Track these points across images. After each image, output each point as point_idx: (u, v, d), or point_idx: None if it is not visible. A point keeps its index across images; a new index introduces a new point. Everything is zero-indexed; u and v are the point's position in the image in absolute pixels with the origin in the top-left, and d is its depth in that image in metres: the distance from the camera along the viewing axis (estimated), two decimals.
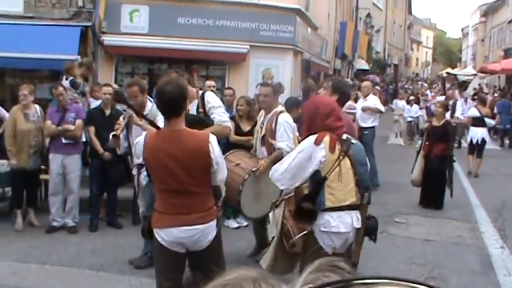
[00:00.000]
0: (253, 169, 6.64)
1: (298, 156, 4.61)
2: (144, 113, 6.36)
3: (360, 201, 4.71)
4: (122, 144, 6.64)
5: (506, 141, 21.92)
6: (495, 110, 21.42)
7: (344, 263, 0.97)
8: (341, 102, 5.48)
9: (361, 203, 4.73)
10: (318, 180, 4.60)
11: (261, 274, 0.96)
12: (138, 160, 4.71)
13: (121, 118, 6.64)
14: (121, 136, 6.48)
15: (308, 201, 4.66)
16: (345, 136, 4.70)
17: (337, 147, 4.57)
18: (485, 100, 16.59)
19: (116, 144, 6.63)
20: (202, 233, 4.39)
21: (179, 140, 4.27)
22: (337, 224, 4.59)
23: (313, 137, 4.60)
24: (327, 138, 4.55)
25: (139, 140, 4.51)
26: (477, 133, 14.85)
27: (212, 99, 6.22)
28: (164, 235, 4.37)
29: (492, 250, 8.21)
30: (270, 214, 5.64)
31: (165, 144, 4.26)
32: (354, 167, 4.66)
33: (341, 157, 4.57)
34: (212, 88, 8.81)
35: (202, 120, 5.94)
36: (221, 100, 6.95)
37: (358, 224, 4.69)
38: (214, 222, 4.47)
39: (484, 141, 14.83)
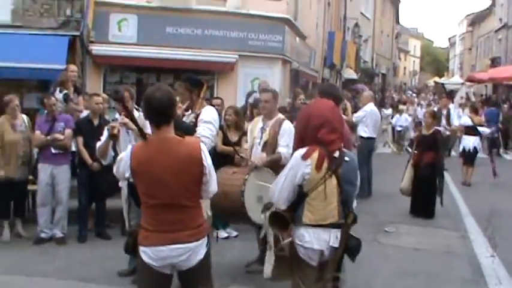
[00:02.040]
0: (252, 164, 6.60)
1: (290, 173, 4.46)
2: None
3: (343, 220, 4.51)
4: (108, 154, 6.47)
5: (494, 150, 21.99)
6: (482, 118, 21.55)
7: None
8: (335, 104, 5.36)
9: (344, 223, 4.52)
10: (299, 195, 4.47)
11: None
12: (122, 179, 4.35)
13: (112, 122, 6.46)
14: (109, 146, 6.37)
15: (288, 209, 4.52)
16: (337, 153, 4.50)
17: (325, 165, 4.39)
18: (477, 109, 16.64)
19: (103, 152, 6.43)
20: (193, 252, 4.15)
21: (171, 148, 4.08)
22: (311, 240, 4.45)
23: (301, 151, 4.45)
24: (315, 155, 4.38)
25: (122, 156, 4.25)
26: (469, 142, 14.90)
27: (206, 113, 6.06)
28: (152, 254, 4.10)
29: (482, 259, 8.20)
30: (262, 216, 5.52)
31: (156, 153, 4.05)
32: (340, 186, 4.47)
33: (327, 176, 4.40)
34: (217, 107, 8.66)
35: (192, 130, 5.87)
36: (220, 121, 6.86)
37: (335, 243, 4.49)
38: (204, 240, 4.23)
39: (475, 150, 14.88)
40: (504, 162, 20.32)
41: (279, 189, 4.53)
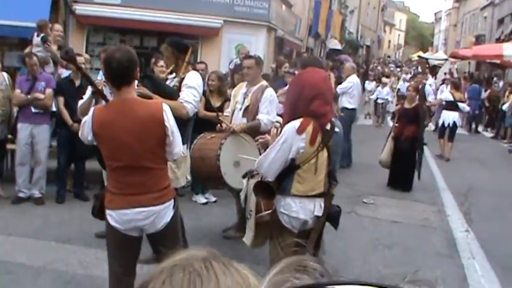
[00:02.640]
0: (229, 127, 6.60)
1: (283, 147, 4.41)
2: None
3: (327, 190, 4.58)
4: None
5: (473, 127, 22.19)
6: (465, 95, 21.71)
7: (312, 260, 0.92)
8: None
9: (328, 192, 4.60)
10: (289, 167, 4.46)
11: (211, 253, 0.95)
12: (86, 141, 4.25)
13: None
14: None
15: (274, 179, 4.52)
16: (329, 125, 4.50)
17: (318, 139, 4.39)
18: (459, 85, 16.72)
19: (85, 110, 6.28)
20: (158, 215, 4.14)
21: (131, 109, 4.02)
22: (298, 209, 4.49)
23: (296, 124, 4.39)
24: (309, 129, 4.35)
25: (85, 119, 4.19)
26: (449, 116, 14.99)
27: (190, 78, 5.92)
28: (117, 217, 4.10)
29: (457, 233, 8.32)
30: (244, 182, 5.51)
31: (117, 115, 4.00)
32: (329, 157, 4.52)
33: (319, 149, 4.41)
34: (201, 72, 8.58)
35: (176, 94, 5.79)
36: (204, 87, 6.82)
37: (319, 212, 4.55)
38: (171, 203, 4.22)
39: (455, 124, 14.99)
40: (484, 140, 20.54)
41: (269, 161, 4.48)
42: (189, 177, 6.05)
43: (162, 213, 4.17)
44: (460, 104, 15.22)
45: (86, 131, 4.13)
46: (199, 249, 0.96)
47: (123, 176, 4.06)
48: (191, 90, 5.81)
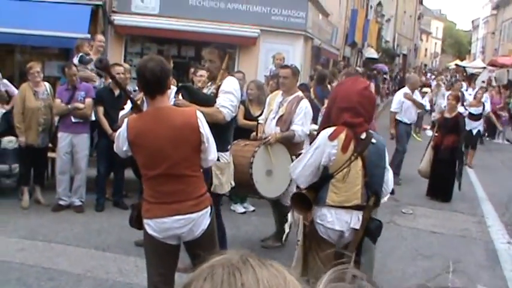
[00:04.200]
0: (264, 138, 6.61)
1: (315, 152, 4.44)
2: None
3: (365, 202, 4.49)
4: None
5: None
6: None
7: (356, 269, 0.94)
8: None
9: (366, 205, 4.50)
10: (324, 176, 4.46)
11: (244, 253, 0.99)
12: (122, 154, 4.30)
13: (134, 92, 6.44)
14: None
15: (311, 190, 4.51)
16: (364, 135, 4.46)
17: (351, 147, 4.36)
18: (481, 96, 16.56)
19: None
20: (195, 222, 4.16)
21: (166, 117, 4.06)
22: (333, 220, 4.45)
23: (329, 131, 4.41)
24: (342, 136, 4.35)
25: (119, 131, 4.22)
26: (473, 125, 14.87)
27: (227, 84, 5.89)
28: (155, 226, 4.13)
29: (498, 244, 8.18)
30: (289, 215, 5.47)
31: (152, 124, 4.03)
32: (365, 168, 4.44)
33: (353, 158, 4.37)
34: (239, 81, 8.56)
35: (212, 100, 5.79)
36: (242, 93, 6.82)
37: (357, 225, 4.48)
38: (208, 210, 4.24)
39: (479, 132, 14.97)
40: None
41: (302, 166, 4.52)
42: (233, 183, 6.05)
43: (199, 221, 4.19)
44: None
45: (120, 142, 4.17)
46: (234, 251, 1.01)
47: (159, 184, 4.09)
48: (227, 95, 5.79)
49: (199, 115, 4.14)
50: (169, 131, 4.00)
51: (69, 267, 6.27)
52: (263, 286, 0.93)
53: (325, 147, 4.38)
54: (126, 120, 4.22)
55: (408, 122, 12.01)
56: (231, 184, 5.99)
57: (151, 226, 4.14)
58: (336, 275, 0.96)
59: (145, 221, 4.18)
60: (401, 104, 11.81)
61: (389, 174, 4.67)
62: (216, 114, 5.53)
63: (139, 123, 4.10)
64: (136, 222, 4.34)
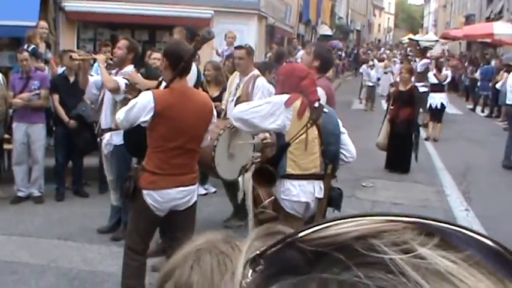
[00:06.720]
0: (228, 126, 6.60)
1: (264, 106, 4.49)
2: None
3: (323, 171, 4.58)
4: (90, 89, 6.71)
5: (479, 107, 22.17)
6: (477, 76, 22.19)
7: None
8: (323, 69, 5.39)
9: (325, 174, 4.59)
10: (281, 145, 4.53)
11: (227, 235, 0.97)
12: (127, 125, 4.50)
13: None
14: (91, 83, 6.65)
15: (270, 164, 4.56)
16: (317, 104, 4.54)
17: (306, 114, 4.43)
18: (441, 67, 16.66)
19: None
20: (193, 193, 4.57)
21: (192, 95, 4.53)
22: (298, 192, 4.52)
23: (285, 96, 4.46)
24: (297, 103, 4.42)
25: (134, 103, 4.38)
26: (435, 98, 15.02)
27: None
28: (158, 197, 4.40)
29: (457, 212, 8.37)
30: (240, 179, 5.58)
31: (181, 99, 4.39)
32: (321, 136, 4.52)
33: (308, 125, 4.43)
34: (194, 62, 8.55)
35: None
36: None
37: (320, 194, 4.58)
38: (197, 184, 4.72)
39: (443, 105, 15.04)
40: (478, 119, 20.59)
41: (244, 110, 4.60)
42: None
43: (195, 193, 4.64)
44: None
45: (137, 112, 4.33)
46: (214, 233, 0.97)
47: (173, 157, 4.40)
48: None
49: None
50: (195, 107, 4.43)
51: (31, 259, 6.19)
52: None
53: (278, 111, 4.43)
54: (150, 93, 4.42)
55: None
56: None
57: (153, 197, 4.42)
58: (262, 231, 0.93)
59: (146, 191, 4.43)
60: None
61: (345, 137, 4.77)
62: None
63: (168, 97, 4.41)
64: (133, 194, 4.52)
